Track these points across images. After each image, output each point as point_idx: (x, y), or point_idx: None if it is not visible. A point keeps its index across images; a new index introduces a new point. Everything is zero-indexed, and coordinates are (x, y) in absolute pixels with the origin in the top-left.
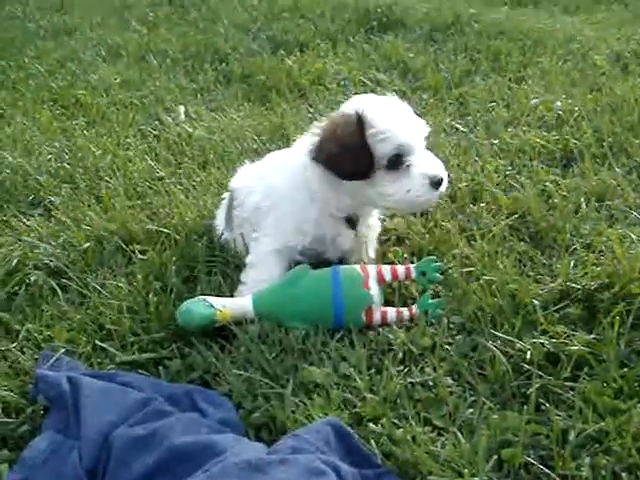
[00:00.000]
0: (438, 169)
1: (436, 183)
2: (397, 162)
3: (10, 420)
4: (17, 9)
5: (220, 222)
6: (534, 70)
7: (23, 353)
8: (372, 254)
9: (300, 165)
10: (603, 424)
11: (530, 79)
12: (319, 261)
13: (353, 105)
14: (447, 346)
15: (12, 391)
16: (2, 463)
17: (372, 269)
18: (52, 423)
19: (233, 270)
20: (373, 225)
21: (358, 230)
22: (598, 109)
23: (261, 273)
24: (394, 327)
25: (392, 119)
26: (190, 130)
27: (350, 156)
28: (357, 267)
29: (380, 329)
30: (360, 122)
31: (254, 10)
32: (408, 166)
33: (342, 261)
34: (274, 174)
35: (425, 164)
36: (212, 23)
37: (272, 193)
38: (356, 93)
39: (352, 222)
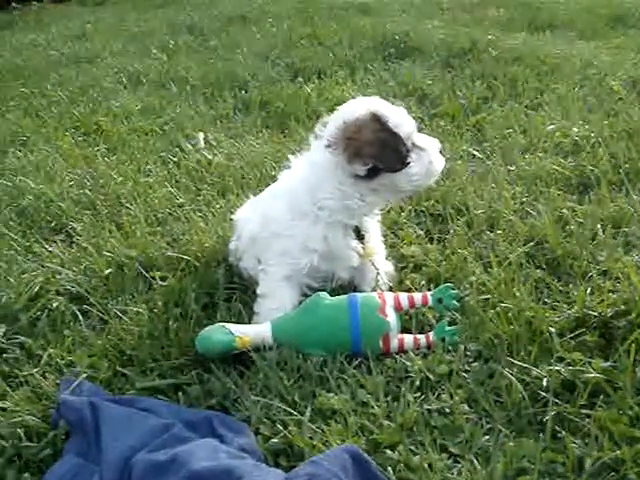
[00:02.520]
0: (434, 139)
1: (440, 150)
2: (412, 145)
3: (32, 444)
4: (40, 37)
5: (232, 248)
6: (551, 96)
7: (45, 378)
8: (385, 279)
9: (297, 181)
10: (619, 452)
11: (547, 105)
12: (332, 288)
13: (352, 109)
14: (464, 373)
15: (34, 415)
16: None
17: (389, 296)
18: (73, 447)
19: (252, 296)
20: (376, 247)
21: (364, 244)
22: (615, 135)
23: (273, 302)
24: (411, 354)
25: (394, 111)
26: (210, 157)
27: (392, 150)
28: (374, 294)
29: (397, 356)
30: (379, 120)
31: (273, 38)
32: (416, 145)
33: (356, 288)
34: (267, 203)
35: (424, 139)
36: (231, 51)
37: (268, 222)
38: None
39: (360, 233)
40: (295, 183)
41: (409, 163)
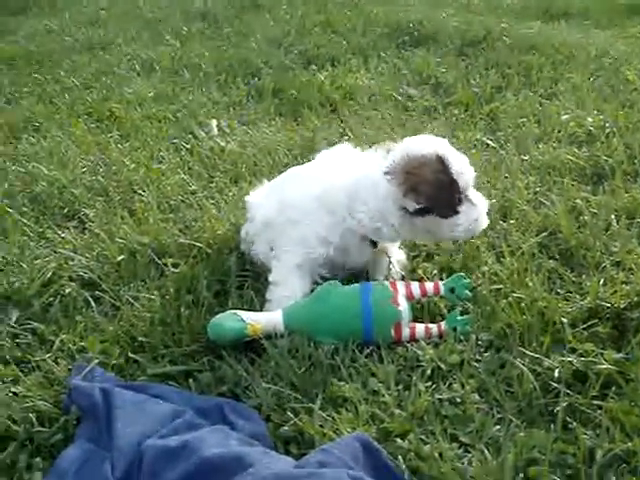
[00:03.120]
0: (484, 200)
1: (488, 212)
2: (466, 197)
3: (44, 429)
4: (54, 23)
5: (243, 233)
6: (565, 85)
7: (57, 363)
8: (398, 268)
9: (348, 187)
10: (630, 444)
11: (561, 95)
12: (344, 277)
13: (419, 145)
14: (475, 363)
15: (46, 401)
16: (36, 471)
17: (401, 285)
18: (84, 433)
19: (264, 284)
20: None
21: (377, 249)
22: (630, 125)
23: (285, 290)
24: (423, 343)
25: (459, 159)
26: (222, 144)
27: (448, 195)
28: (386, 283)
29: (409, 345)
30: (442, 162)
31: (286, 25)
32: (468, 199)
33: (368, 276)
34: (289, 188)
35: (477, 196)
36: (245, 38)
37: (286, 208)
38: (387, 109)
39: (374, 243)
40: (335, 183)
41: (459, 213)
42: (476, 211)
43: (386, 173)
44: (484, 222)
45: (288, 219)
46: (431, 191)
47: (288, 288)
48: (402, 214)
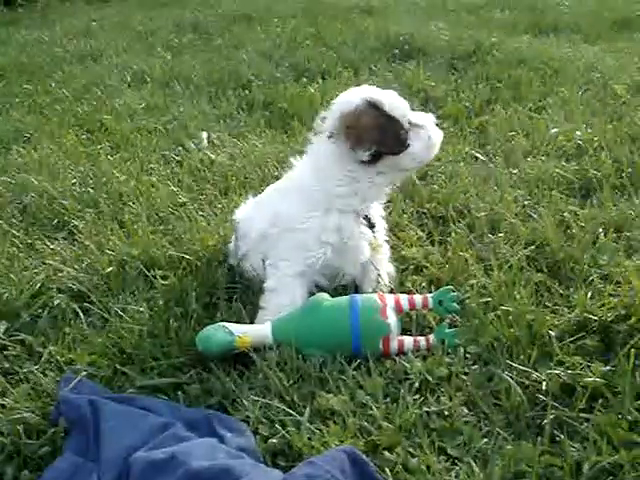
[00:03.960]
0: (428, 114)
1: (436, 123)
2: (409, 124)
3: (31, 441)
4: (45, 34)
5: (232, 248)
6: (554, 99)
7: (45, 375)
8: (387, 280)
9: (305, 177)
10: (617, 457)
11: (550, 108)
12: (335, 287)
13: (348, 99)
14: (463, 376)
15: (34, 412)
16: None
17: (390, 298)
18: (72, 445)
19: (253, 297)
20: (381, 247)
21: (375, 233)
22: (618, 139)
23: (283, 298)
24: (411, 356)
25: (387, 96)
26: (212, 156)
27: (392, 134)
28: (375, 296)
29: (397, 358)
30: (374, 105)
31: (277, 37)
32: (413, 123)
33: (357, 288)
34: (276, 201)
35: (419, 116)
36: (235, 50)
37: (280, 219)
38: None
39: (370, 222)
40: (304, 178)
41: (409, 145)
42: (425, 130)
43: (329, 137)
44: (438, 135)
45: (284, 229)
46: (374, 136)
47: (288, 296)
48: (363, 167)
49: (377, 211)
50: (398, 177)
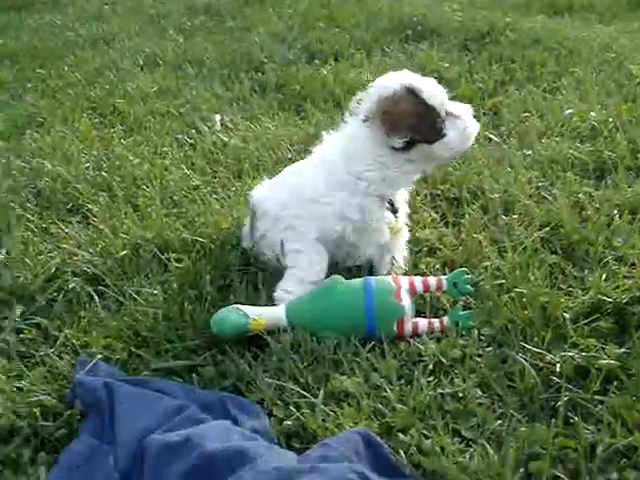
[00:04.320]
0: (466, 105)
1: (474, 115)
2: (446, 113)
3: (48, 423)
4: (57, 18)
5: (246, 231)
6: (569, 80)
7: (61, 358)
8: (402, 263)
9: (333, 155)
10: (631, 439)
11: (565, 89)
12: (350, 267)
13: (387, 83)
14: (477, 358)
15: (50, 395)
16: (40, 466)
17: (404, 280)
18: (88, 428)
19: (267, 279)
20: (401, 230)
21: (397, 218)
22: (633, 120)
23: (313, 256)
24: (425, 338)
25: (427, 83)
26: (225, 139)
27: (429, 122)
28: (389, 278)
29: (411, 340)
30: (413, 92)
31: (289, 19)
32: (450, 113)
33: (372, 270)
34: (300, 174)
35: (457, 106)
36: (248, 32)
37: (301, 190)
38: None
39: (393, 206)
40: (332, 156)
41: (445, 134)
42: (461, 121)
43: (364, 121)
44: (474, 126)
45: (307, 199)
46: (411, 122)
47: (315, 255)
48: (395, 154)
49: (402, 195)
50: (430, 166)
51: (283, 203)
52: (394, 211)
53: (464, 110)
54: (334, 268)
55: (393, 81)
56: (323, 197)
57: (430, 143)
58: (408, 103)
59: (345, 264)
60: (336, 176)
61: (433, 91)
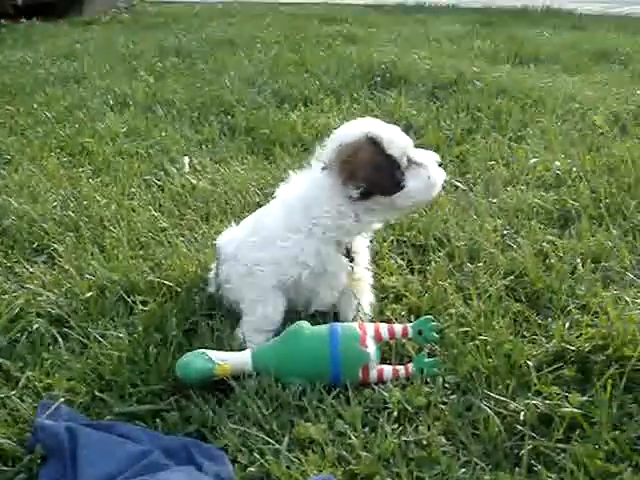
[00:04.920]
0: (432, 153)
1: (439, 164)
2: (409, 161)
3: (7, 468)
4: (28, 55)
5: (213, 275)
6: (534, 129)
7: (22, 401)
8: (368, 309)
9: (294, 198)
10: None
11: (530, 138)
12: (315, 316)
13: (349, 131)
14: (442, 405)
15: (10, 439)
16: None
17: (370, 327)
18: (49, 473)
19: (233, 323)
20: (363, 275)
21: (354, 266)
22: (596, 170)
23: (268, 305)
24: (390, 385)
25: (388, 131)
26: (194, 181)
27: (387, 173)
28: (355, 324)
29: (376, 387)
30: (374, 142)
31: (260, 63)
32: (414, 162)
33: (338, 315)
34: (262, 214)
35: (421, 153)
36: (218, 75)
37: (260, 229)
38: None
39: (349, 253)
40: (292, 199)
41: (403, 186)
42: (425, 170)
43: (323, 169)
44: (439, 175)
45: (264, 238)
46: (367, 173)
47: (269, 305)
48: (354, 202)
49: (362, 241)
50: (391, 215)
51: (242, 244)
52: (350, 258)
53: (429, 158)
54: (298, 314)
55: (355, 129)
56: (280, 240)
57: (387, 195)
58: (367, 153)
59: (307, 311)
60: (293, 220)
61: (395, 140)
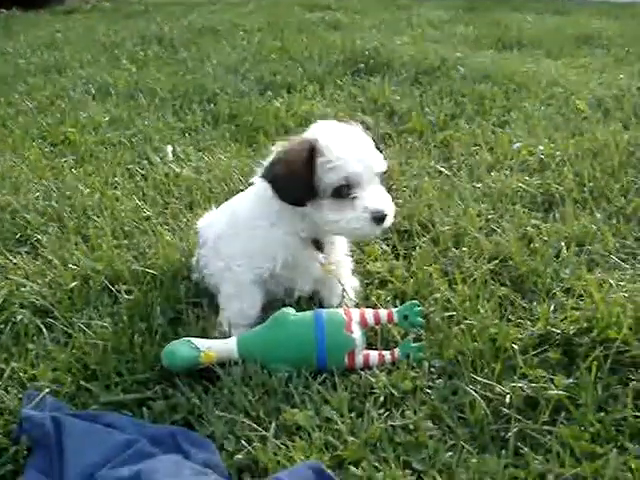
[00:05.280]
0: (383, 205)
1: (379, 219)
2: (343, 192)
3: None
4: (8, 45)
5: (194, 260)
6: (517, 114)
7: (7, 392)
8: (352, 295)
9: (262, 188)
10: (580, 469)
11: (513, 123)
12: (296, 300)
13: (315, 130)
14: (428, 390)
15: None
16: None
17: (355, 312)
18: (35, 463)
19: (217, 310)
20: (342, 261)
21: (326, 256)
22: (579, 154)
23: (244, 303)
24: (376, 370)
25: (345, 149)
26: (177, 170)
27: (293, 182)
28: (340, 310)
29: (362, 372)
30: (312, 150)
31: (243, 51)
32: (354, 198)
33: (322, 302)
34: (237, 204)
35: (371, 199)
36: (201, 63)
37: (235, 221)
38: None
39: (319, 244)
40: (261, 189)
41: (302, 204)
42: (352, 215)
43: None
44: (368, 226)
45: (236, 232)
46: (279, 172)
47: (246, 300)
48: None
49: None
50: (322, 230)
51: (221, 237)
52: (320, 249)
53: (374, 205)
54: (282, 302)
55: (319, 129)
56: (248, 229)
57: (282, 199)
58: (293, 153)
59: (290, 298)
60: (262, 211)
61: (339, 162)
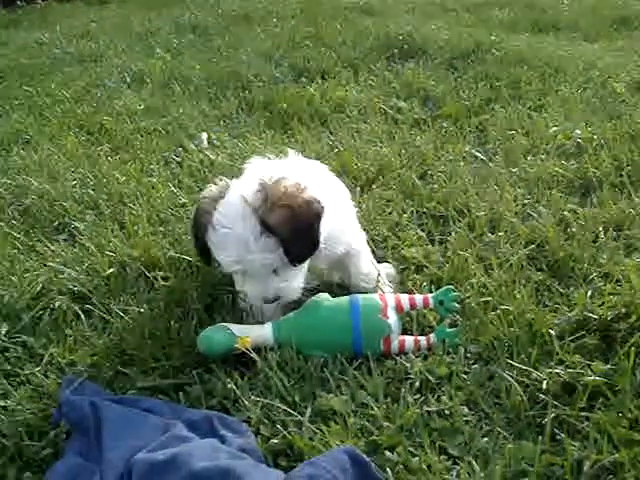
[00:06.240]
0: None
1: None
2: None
3: (33, 443)
4: (45, 36)
5: None
6: (554, 98)
7: (47, 377)
8: (387, 280)
9: None
10: (617, 455)
11: (550, 107)
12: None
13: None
14: (464, 375)
15: (35, 414)
16: None
17: (391, 298)
18: (74, 447)
19: None
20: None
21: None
22: (617, 137)
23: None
24: (411, 355)
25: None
26: (212, 157)
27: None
28: (376, 296)
29: (398, 357)
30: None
31: (276, 38)
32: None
33: (349, 287)
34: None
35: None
36: (235, 50)
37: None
38: (377, 121)
39: None
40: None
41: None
42: (288, 282)
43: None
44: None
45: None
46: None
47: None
48: None
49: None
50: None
51: None
52: None
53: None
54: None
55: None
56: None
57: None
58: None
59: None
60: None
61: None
